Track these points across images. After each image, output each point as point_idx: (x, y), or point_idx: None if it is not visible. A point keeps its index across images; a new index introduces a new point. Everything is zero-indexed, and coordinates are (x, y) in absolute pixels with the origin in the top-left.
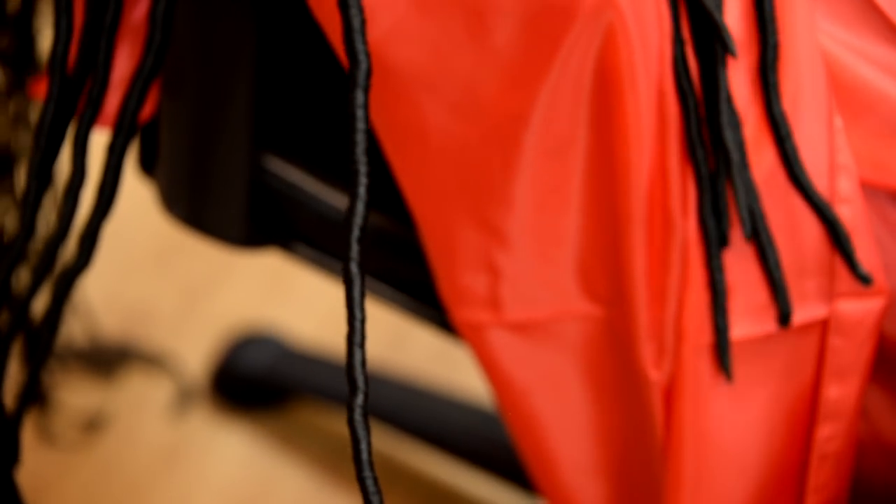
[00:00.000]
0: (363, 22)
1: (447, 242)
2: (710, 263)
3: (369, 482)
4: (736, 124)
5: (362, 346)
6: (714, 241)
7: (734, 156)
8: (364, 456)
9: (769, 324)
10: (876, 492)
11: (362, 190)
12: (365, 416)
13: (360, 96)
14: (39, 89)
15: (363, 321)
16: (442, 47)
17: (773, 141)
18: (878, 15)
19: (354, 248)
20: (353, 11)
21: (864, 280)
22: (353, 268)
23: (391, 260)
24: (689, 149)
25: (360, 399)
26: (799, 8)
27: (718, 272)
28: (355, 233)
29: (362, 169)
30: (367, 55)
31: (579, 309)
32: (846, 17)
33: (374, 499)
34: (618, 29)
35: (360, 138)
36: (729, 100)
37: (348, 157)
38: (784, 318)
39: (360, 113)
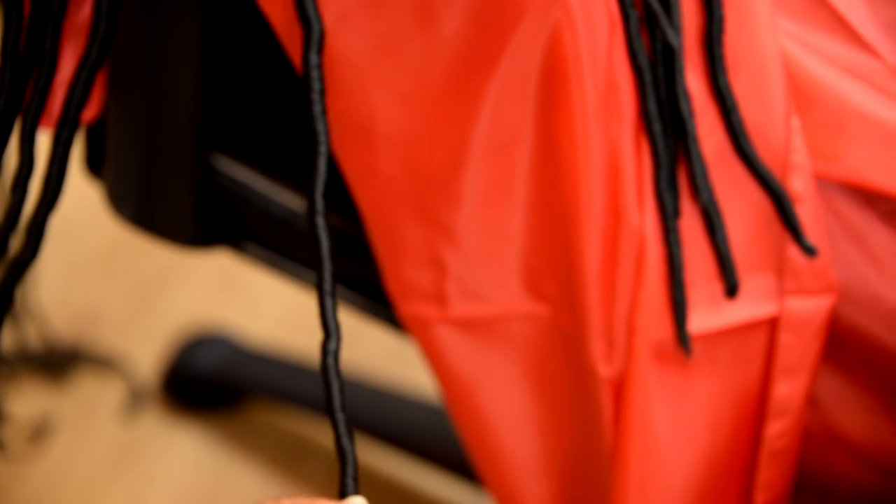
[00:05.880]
0: None
1: (393, 236)
2: (667, 238)
3: (341, 424)
4: (688, 95)
5: (333, 295)
6: (671, 215)
7: (689, 126)
8: (336, 399)
9: (718, 318)
10: (819, 483)
11: (323, 148)
12: (336, 360)
13: (313, 57)
14: None
15: (332, 272)
16: (391, 38)
17: (720, 117)
18: (826, 9)
19: (319, 202)
20: None
21: (810, 251)
22: (320, 221)
23: (345, 259)
24: (645, 125)
25: (332, 344)
26: (760, 5)
27: (676, 246)
28: (319, 188)
29: (321, 128)
30: (320, 19)
31: (524, 308)
32: (794, 11)
33: (345, 439)
34: (565, 26)
35: (317, 98)
36: (682, 70)
37: (307, 118)
38: (731, 289)
39: (314, 73)
